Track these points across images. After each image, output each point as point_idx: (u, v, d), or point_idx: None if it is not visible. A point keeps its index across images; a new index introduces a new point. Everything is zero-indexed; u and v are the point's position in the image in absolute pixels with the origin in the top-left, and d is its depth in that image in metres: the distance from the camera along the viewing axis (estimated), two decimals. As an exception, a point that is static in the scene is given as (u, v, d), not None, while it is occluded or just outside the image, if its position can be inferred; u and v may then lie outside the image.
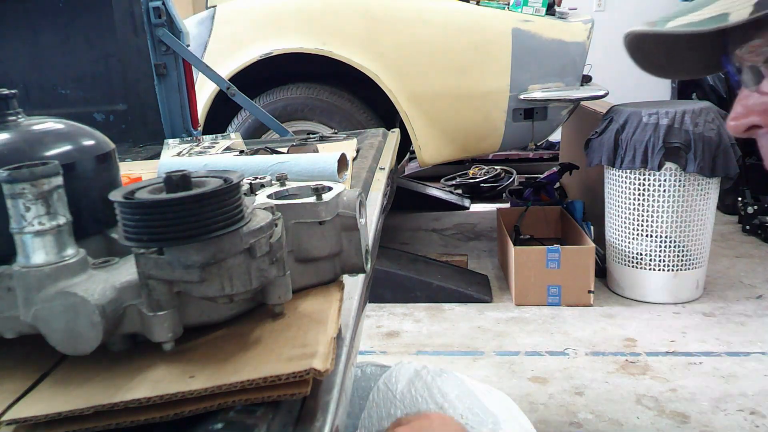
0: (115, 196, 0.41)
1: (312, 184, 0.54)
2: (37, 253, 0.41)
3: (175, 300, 0.42)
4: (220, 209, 0.40)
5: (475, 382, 1.04)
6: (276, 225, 0.45)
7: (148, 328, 0.42)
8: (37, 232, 0.40)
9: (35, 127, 0.46)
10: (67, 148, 0.45)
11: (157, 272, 0.40)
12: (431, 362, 2.30)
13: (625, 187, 2.59)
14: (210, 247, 0.40)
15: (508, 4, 2.85)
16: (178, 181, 0.40)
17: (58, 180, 0.41)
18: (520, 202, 3.42)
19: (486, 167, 4.50)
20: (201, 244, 0.40)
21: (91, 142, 0.47)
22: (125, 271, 0.43)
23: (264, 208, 0.46)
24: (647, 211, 2.57)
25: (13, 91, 0.46)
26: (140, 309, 0.42)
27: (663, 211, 2.54)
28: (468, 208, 4.05)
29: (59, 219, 0.41)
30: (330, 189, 0.53)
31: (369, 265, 0.55)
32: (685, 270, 2.62)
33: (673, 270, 2.61)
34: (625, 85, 4.57)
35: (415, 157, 3.15)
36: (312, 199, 0.51)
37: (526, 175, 4.22)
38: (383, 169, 1.18)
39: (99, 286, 0.40)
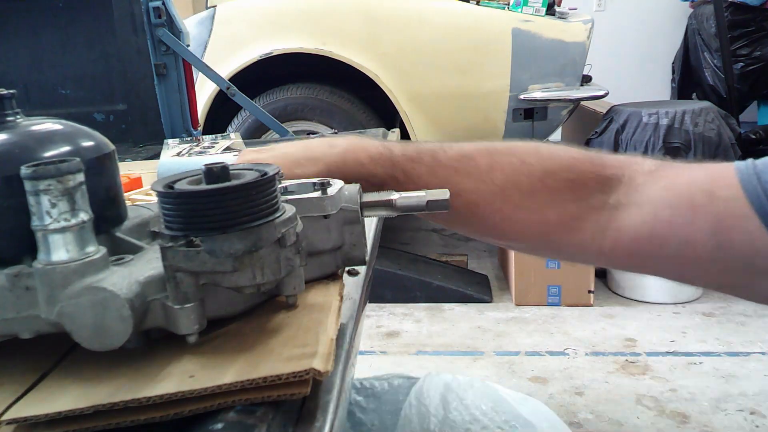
0: (166, 186, 0.42)
1: (309, 180, 0.55)
2: (61, 250, 0.41)
3: (200, 292, 0.42)
4: (264, 198, 0.42)
5: (508, 391, 1.02)
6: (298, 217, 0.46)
7: (174, 321, 0.42)
8: (62, 229, 0.40)
9: (34, 128, 0.46)
10: (67, 148, 0.45)
11: (188, 264, 0.41)
12: (431, 362, 2.30)
13: (625, 187, 2.59)
14: (252, 236, 0.41)
15: (508, 4, 2.85)
16: (219, 172, 0.42)
17: (81, 177, 0.41)
18: (520, 202, 3.41)
19: (486, 167, 4.49)
20: (244, 233, 0.41)
21: (90, 143, 0.47)
22: (143, 267, 0.43)
23: None
24: (647, 211, 2.57)
25: (11, 91, 0.46)
26: (164, 303, 0.42)
27: (663, 211, 2.54)
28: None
29: (83, 215, 0.41)
30: (331, 184, 0.54)
31: (368, 258, 0.57)
32: (685, 270, 2.62)
33: (673, 270, 2.61)
34: (625, 85, 4.58)
35: (415, 157, 3.14)
36: (317, 194, 0.53)
37: (526, 175, 4.22)
38: (383, 169, 1.18)
39: (125, 281, 0.41)
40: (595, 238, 0.56)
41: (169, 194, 0.41)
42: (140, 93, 1.79)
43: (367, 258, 0.56)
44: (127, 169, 1.19)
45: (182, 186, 0.43)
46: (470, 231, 0.67)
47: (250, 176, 0.43)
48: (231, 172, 0.43)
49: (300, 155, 0.63)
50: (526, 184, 0.58)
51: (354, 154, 0.62)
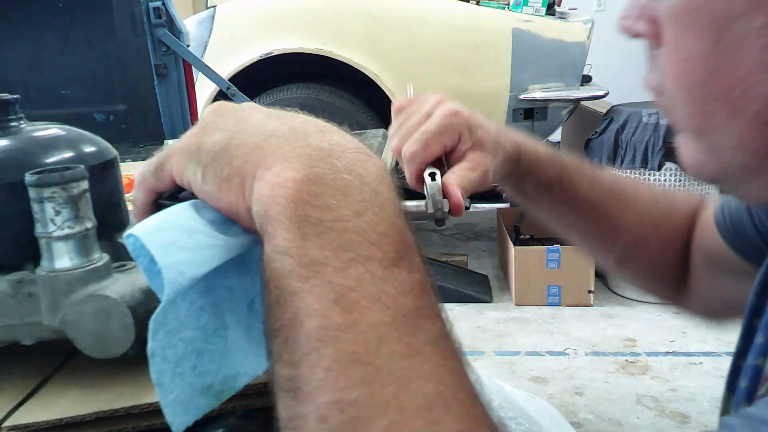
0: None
1: None
2: (64, 257, 0.41)
3: None
4: None
5: (515, 390, 1.01)
6: None
7: None
8: (66, 236, 0.40)
9: (37, 134, 0.46)
10: (70, 155, 0.45)
11: None
12: (431, 362, 2.30)
13: (625, 187, 2.59)
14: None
15: (508, 4, 2.85)
16: None
17: (86, 184, 0.41)
18: (520, 201, 3.41)
19: (486, 167, 4.48)
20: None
21: (93, 150, 0.47)
22: None
23: None
24: (647, 211, 2.57)
25: (15, 96, 0.46)
26: None
27: (663, 211, 2.54)
28: (468, 208, 4.04)
29: (86, 223, 0.41)
30: None
31: None
32: (685, 270, 2.61)
33: (673, 270, 2.61)
34: (625, 85, 4.57)
35: (415, 157, 3.14)
36: None
37: (526, 175, 4.21)
38: (383, 170, 1.17)
39: (128, 289, 0.41)
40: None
41: (174, 199, 0.41)
42: (140, 93, 1.78)
43: None
44: (127, 169, 1.18)
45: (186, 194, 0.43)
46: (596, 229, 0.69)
47: None
48: None
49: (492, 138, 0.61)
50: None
51: (527, 147, 0.63)
